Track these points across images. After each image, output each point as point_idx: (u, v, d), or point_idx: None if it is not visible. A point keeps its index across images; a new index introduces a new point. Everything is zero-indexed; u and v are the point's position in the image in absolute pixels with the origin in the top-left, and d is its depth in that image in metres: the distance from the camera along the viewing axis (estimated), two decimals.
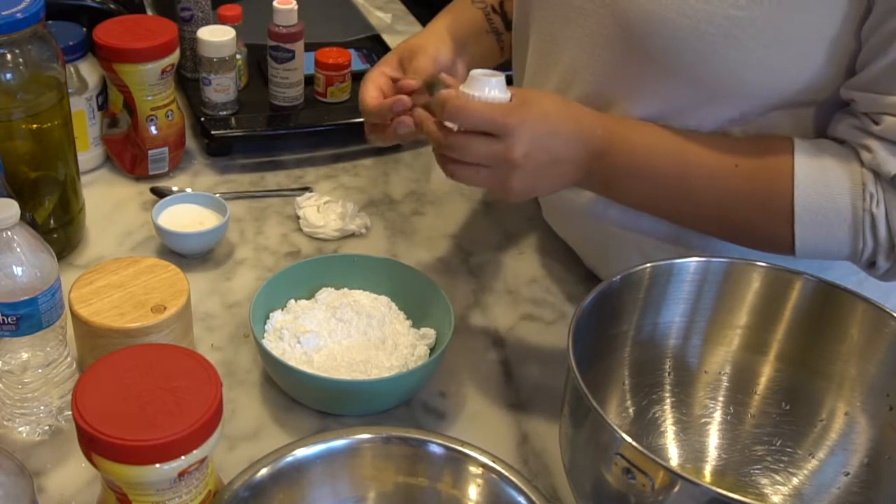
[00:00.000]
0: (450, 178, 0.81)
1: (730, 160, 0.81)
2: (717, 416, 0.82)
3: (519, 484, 0.69)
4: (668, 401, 0.82)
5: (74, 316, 0.82)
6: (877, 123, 0.77)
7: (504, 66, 1.01)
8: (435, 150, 0.82)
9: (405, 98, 0.85)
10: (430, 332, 0.91)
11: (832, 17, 0.76)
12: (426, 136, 0.82)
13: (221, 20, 1.20)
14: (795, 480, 0.78)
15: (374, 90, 0.89)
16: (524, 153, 0.77)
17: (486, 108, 0.77)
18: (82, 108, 1.11)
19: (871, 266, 0.81)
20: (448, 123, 0.79)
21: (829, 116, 0.83)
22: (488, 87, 0.78)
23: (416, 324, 0.93)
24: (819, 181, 0.79)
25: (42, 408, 0.81)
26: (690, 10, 0.77)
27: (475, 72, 0.80)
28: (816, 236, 0.79)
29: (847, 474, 0.76)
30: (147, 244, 1.05)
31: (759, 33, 0.76)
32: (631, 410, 0.81)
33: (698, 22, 0.77)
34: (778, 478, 0.79)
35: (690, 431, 0.82)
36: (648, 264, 0.77)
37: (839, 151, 0.79)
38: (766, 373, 0.81)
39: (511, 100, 0.79)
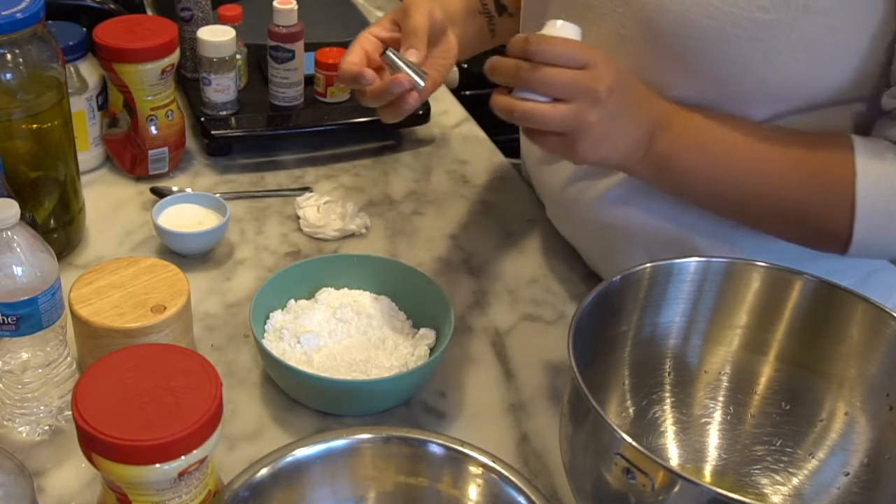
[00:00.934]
0: (520, 119, 0.76)
1: (793, 152, 0.81)
2: (717, 416, 0.82)
3: (519, 484, 0.69)
4: (668, 401, 0.82)
5: (74, 316, 0.82)
6: None
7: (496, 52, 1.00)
8: (497, 94, 0.77)
9: (369, 73, 0.82)
10: (430, 332, 0.91)
11: (860, 24, 0.76)
12: (498, 73, 0.76)
13: (221, 20, 1.20)
14: (795, 480, 0.78)
15: (357, 55, 0.85)
16: (609, 87, 0.75)
17: (572, 44, 0.75)
18: (82, 108, 1.11)
19: None
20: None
21: (865, 120, 0.82)
22: (571, 31, 0.76)
23: (416, 324, 0.93)
24: (882, 177, 0.78)
25: (42, 408, 0.81)
26: (716, 11, 0.76)
27: (553, 19, 0.77)
28: (875, 234, 0.79)
29: (847, 474, 0.76)
30: (147, 244, 1.05)
31: (785, 37, 0.76)
32: (631, 410, 0.81)
33: (723, 24, 0.76)
34: (778, 478, 0.79)
35: (690, 431, 0.82)
36: (648, 264, 0.77)
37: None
38: (766, 373, 0.81)
39: None
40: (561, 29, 0.77)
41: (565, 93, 0.74)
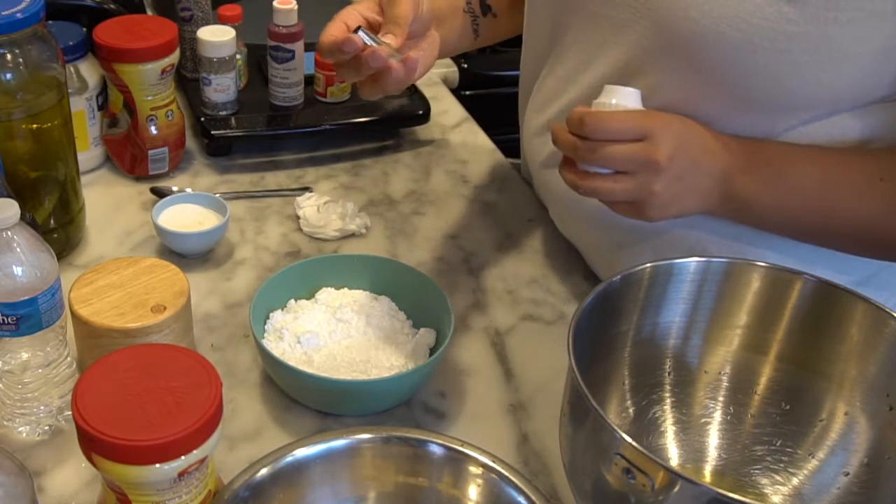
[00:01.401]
0: (587, 193, 0.78)
1: (874, 173, 0.81)
2: (717, 416, 0.82)
3: (519, 484, 0.69)
4: (668, 401, 0.82)
5: (74, 316, 0.82)
6: None
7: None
8: (564, 168, 0.79)
9: (357, 39, 0.82)
10: (430, 332, 0.91)
11: (886, 32, 0.76)
12: (560, 147, 0.79)
13: (221, 20, 1.20)
14: (795, 480, 0.78)
15: (337, 28, 0.85)
16: (669, 155, 0.76)
17: (628, 116, 0.76)
18: (82, 108, 1.11)
19: None
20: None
21: (884, 119, 0.82)
22: (628, 98, 0.77)
23: (416, 324, 0.93)
24: None
25: (42, 408, 0.81)
26: (745, 24, 0.76)
27: (610, 85, 0.79)
28: None
29: (847, 474, 0.76)
30: (147, 244, 1.05)
31: (813, 48, 0.76)
32: (631, 410, 0.81)
33: (752, 36, 0.76)
34: (778, 478, 0.79)
35: (690, 431, 0.82)
36: (648, 264, 0.77)
37: None
38: (766, 373, 0.81)
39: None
40: (618, 95, 0.78)
41: (626, 167, 0.77)
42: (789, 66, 0.77)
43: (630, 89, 0.78)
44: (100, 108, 1.14)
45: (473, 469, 0.71)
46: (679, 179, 0.78)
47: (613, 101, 0.77)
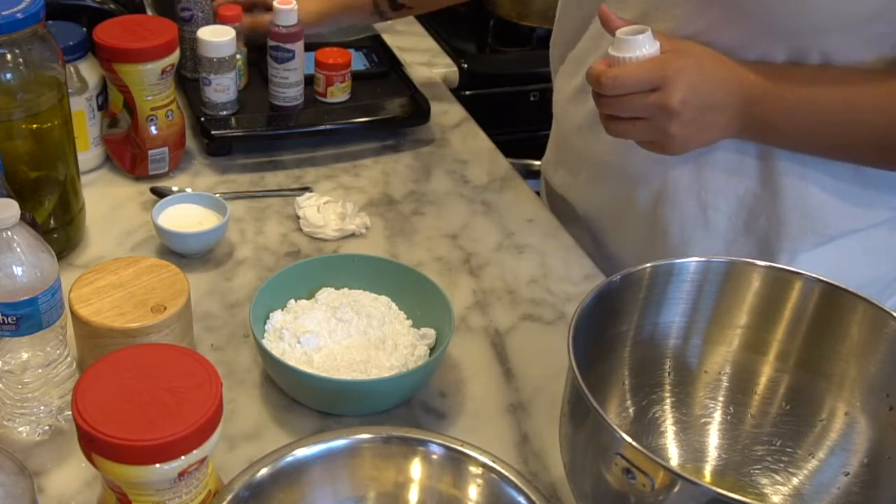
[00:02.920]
0: (610, 134, 0.86)
1: (884, 85, 0.83)
2: (717, 416, 0.82)
3: (519, 484, 0.69)
4: (668, 401, 0.82)
5: (74, 316, 0.82)
6: None
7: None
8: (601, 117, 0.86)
9: None
10: (430, 332, 0.91)
11: None
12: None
13: (221, 20, 1.20)
14: (795, 480, 0.78)
15: None
16: (681, 99, 0.81)
17: (640, 69, 0.81)
18: (82, 108, 1.11)
19: None
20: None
21: None
22: (638, 47, 0.81)
23: (416, 324, 0.93)
24: None
25: (42, 408, 0.81)
26: None
27: (621, 32, 0.82)
28: None
29: (847, 474, 0.76)
30: (147, 244, 1.05)
31: None
32: (631, 410, 0.81)
33: None
34: (778, 478, 0.79)
35: (690, 431, 0.82)
36: (648, 264, 0.77)
37: None
38: (766, 373, 0.81)
39: (662, 50, 0.82)
40: (631, 47, 0.81)
41: (640, 115, 0.83)
42: None
43: (640, 36, 0.81)
44: (100, 108, 1.14)
45: (473, 469, 0.71)
46: (694, 120, 0.84)
47: (628, 56, 0.81)
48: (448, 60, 1.57)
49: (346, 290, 0.95)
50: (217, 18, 1.21)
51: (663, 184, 0.99)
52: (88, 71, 1.11)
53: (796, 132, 0.88)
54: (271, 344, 0.88)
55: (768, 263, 0.79)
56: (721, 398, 0.82)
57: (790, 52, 0.86)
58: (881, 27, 0.82)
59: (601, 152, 1.02)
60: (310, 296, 0.94)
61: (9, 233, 0.74)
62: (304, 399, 0.87)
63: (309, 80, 1.24)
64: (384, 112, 1.24)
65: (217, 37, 1.15)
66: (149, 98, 1.10)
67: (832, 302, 0.77)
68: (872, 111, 0.84)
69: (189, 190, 1.12)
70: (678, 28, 0.88)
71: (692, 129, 0.84)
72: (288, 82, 1.21)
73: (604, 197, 1.09)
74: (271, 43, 1.19)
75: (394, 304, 0.94)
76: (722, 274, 0.79)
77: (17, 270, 0.74)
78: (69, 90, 0.99)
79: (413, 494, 0.72)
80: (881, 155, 0.88)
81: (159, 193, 1.11)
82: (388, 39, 1.41)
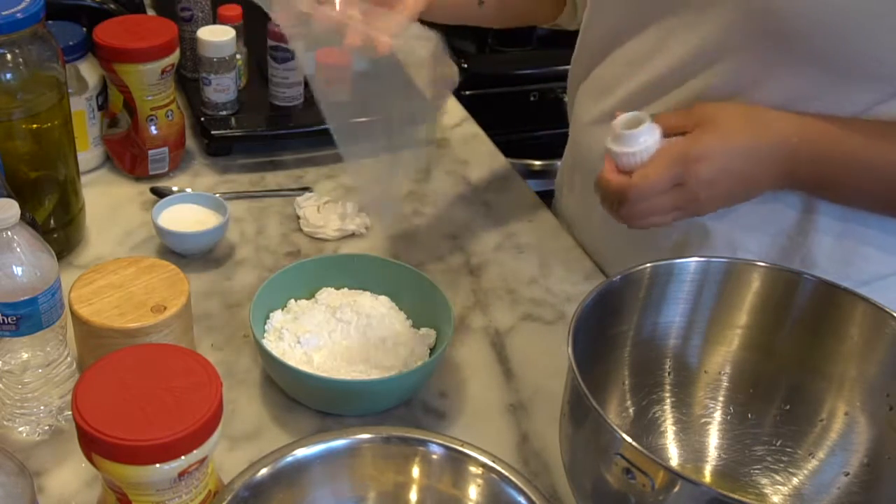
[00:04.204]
0: (636, 228, 0.82)
1: None
2: (717, 416, 0.82)
3: (519, 484, 0.69)
4: (668, 401, 0.82)
5: (74, 316, 0.82)
6: None
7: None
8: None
9: None
10: (430, 332, 0.91)
11: None
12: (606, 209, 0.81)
13: (221, 20, 1.20)
14: (795, 480, 0.78)
15: None
16: (708, 189, 0.78)
17: (660, 170, 0.77)
18: (82, 108, 1.11)
19: None
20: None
21: None
22: (642, 139, 0.77)
23: (416, 324, 0.93)
24: None
25: (42, 408, 0.81)
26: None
27: (618, 123, 0.78)
28: None
29: (847, 474, 0.76)
30: (147, 244, 1.05)
31: None
32: (631, 410, 0.81)
33: (846, 3, 0.75)
34: (778, 478, 0.79)
35: (690, 431, 0.82)
36: (648, 264, 0.77)
37: None
38: (766, 373, 0.81)
39: (678, 127, 0.78)
40: (632, 140, 0.77)
41: (669, 212, 0.80)
42: (882, 33, 0.76)
43: (643, 127, 0.77)
44: (100, 108, 1.14)
45: (473, 469, 0.71)
46: (727, 196, 0.81)
47: (633, 150, 0.77)
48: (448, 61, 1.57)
49: (346, 290, 0.95)
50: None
51: (690, 224, 0.92)
52: (88, 71, 1.11)
53: (850, 191, 0.84)
54: (271, 344, 0.88)
55: (768, 263, 0.79)
56: (721, 398, 0.82)
57: (857, 98, 0.81)
58: None
59: None
60: (310, 296, 0.94)
61: (9, 233, 0.74)
62: (304, 399, 0.87)
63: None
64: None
65: (217, 37, 1.15)
66: (149, 98, 1.10)
67: (832, 302, 0.77)
68: None
69: (189, 190, 1.12)
70: (731, 80, 0.83)
71: (726, 202, 0.82)
72: (288, 82, 1.21)
73: (620, 237, 0.97)
74: (271, 43, 1.19)
75: (394, 304, 0.94)
76: (722, 274, 0.79)
77: (17, 270, 0.74)
78: (69, 90, 0.99)
79: (413, 494, 0.72)
80: None
81: (159, 193, 1.11)
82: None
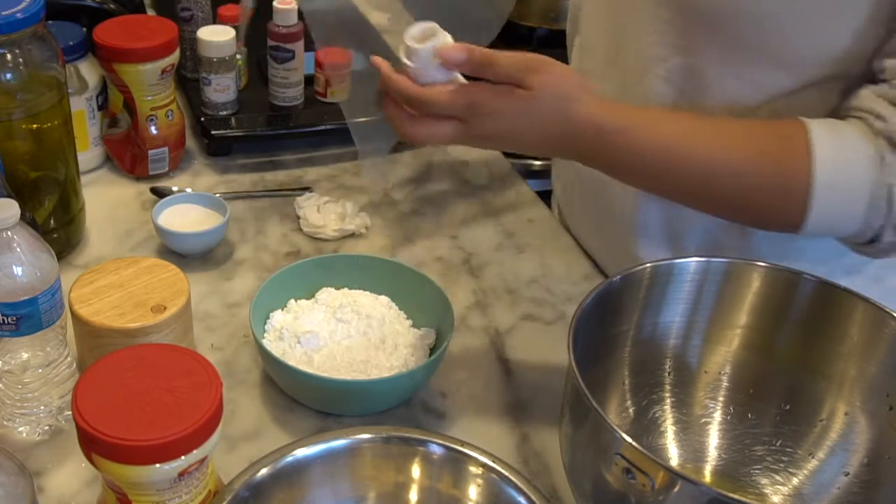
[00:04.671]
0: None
1: (747, 148, 0.80)
2: (717, 416, 0.82)
3: (519, 484, 0.69)
4: (668, 401, 0.82)
5: (74, 316, 0.82)
6: (893, 88, 0.77)
7: None
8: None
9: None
10: (430, 332, 0.91)
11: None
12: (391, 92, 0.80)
13: (221, 20, 1.20)
14: (795, 480, 0.78)
15: None
16: (484, 141, 0.81)
17: (449, 99, 0.77)
18: (82, 108, 1.11)
19: (870, 243, 0.80)
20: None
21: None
22: (428, 52, 0.77)
23: (416, 324, 0.93)
24: (838, 156, 0.77)
25: (42, 408, 0.81)
26: None
27: (410, 36, 0.77)
28: (830, 212, 0.78)
29: (847, 474, 0.76)
30: (147, 244, 1.05)
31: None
32: (631, 410, 0.81)
33: None
34: (778, 478, 0.79)
35: (690, 431, 0.82)
36: (648, 264, 0.77)
37: (854, 125, 0.79)
38: (766, 373, 0.81)
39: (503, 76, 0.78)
40: (417, 55, 0.77)
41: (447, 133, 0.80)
42: (794, 18, 0.79)
43: (428, 44, 0.77)
44: (100, 108, 1.14)
45: (473, 469, 0.71)
46: (505, 146, 0.84)
47: (417, 66, 0.77)
48: None
49: (346, 290, 0.95)
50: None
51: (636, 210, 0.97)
52: (88, 71, 1.11)
53: (642, 181, 0.85)
54: (271, 344, 0.88)
55: (768, 263, 0.79)
56: (721, 398, 0.82)
57: (763, 84, 0.84)
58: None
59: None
60: (310, 296, 0.94)
61: (9, 233, 0.74)
62: (304, 399, 0.87)
63: (309, 80, 1.24)
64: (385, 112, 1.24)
65: (217, 37, 1.15)
66: (149, 98, 1.10)
67: (832, 302, 0.77)
68: (727, 183, 0.81)
69: (189, 190, 1.12)
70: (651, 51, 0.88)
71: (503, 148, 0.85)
72: (288, 82, 1.21)
73: (619, 237, 1.03)
74: (271, 43, 1.19)
75: (394, 304, 0.94)
76: (722, 274, 0.79)
77: (17, 270, 0.74)
78: (69, 90, 0.99)
79: (413, 494, 0.72)
80: (736, 215, 0.85)
81: (159, 193, 1.11)
82: (388, 39, 1.41)
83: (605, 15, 0.96)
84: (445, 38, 0.78)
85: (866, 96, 0.79)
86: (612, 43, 0.95)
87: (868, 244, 0.80)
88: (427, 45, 0.77)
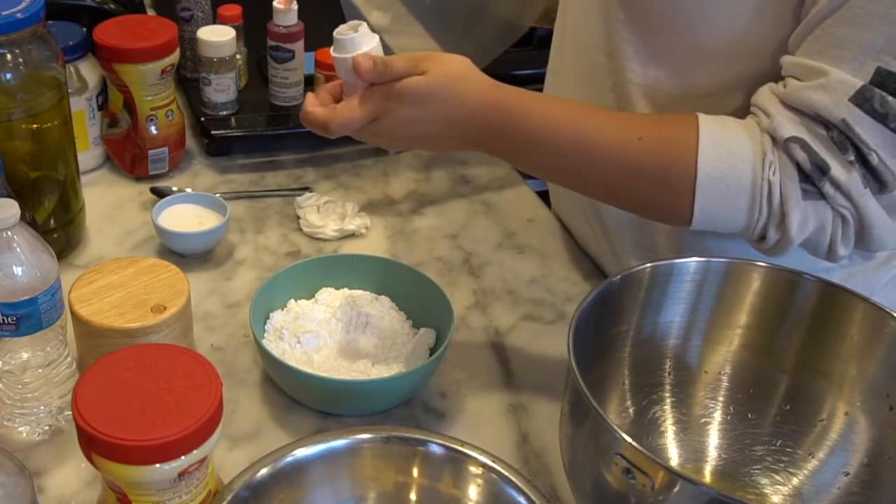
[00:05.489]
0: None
1: (633, 134, 0.80)
2: (717, 416, 0.82)
3: (519, 484, 0.69)
4: (668, 401, 0.82)
5: (74, 316, 0.82)
6: (784, 86, 0.78)
7: None
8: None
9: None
10: (430, 332, 0.91)
11: None
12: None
13: (221, 20, 1.20)
14: (795, 480, 0.78)
15: None
16: (391, 140, 0.84)
17: (356, 112, 0.80)
18: (82, 108, 1.11)
19: (761, 240, 0.80)
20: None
21: None
22: (357, 45, 0.80)
23: (416, 324, 0.93)
24: (722, 150, 0.78)
25: (42, 408, 0.81)
26: None
27: (338, 31, 0.81)
28: (715, 206, 0.78)
29: (847, 474, 0.76)
30: (147, 244, 1.05)
31: None
32: (631, 410, 0.81)
33: None
34: (778, 478, 0.79)
35: (690, 431, 0.82)
36: (648, 264, 0.77)
37: (743, 122, 0.79)
38: (766, 373, 0.81)
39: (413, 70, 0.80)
40: (349, 44, 0.80)
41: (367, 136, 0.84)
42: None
43: (356, 34, 0.80)
44: (100, 108, 1.14)
45: (473, 469, 0.71)
46: (414, 143, 0.86)
47: (348, 56, 0.80)
48: None
49: (346, 290, 0.95)
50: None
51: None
52: (88, 71, 1.11)
53: (532, 169, 0.88)
54: (271, 344, 0.88)
55: (768, 263, 0.79)
56: (721, 398, 0.82)
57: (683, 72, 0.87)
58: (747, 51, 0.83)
59: None
60: (310, 296, 0.94)
61: (9, 233, 0.74)
62: (304, 399, 0.87)
63: (309, 80, 1.24)
64: None
65: (217, 37, 1.15)
66: (149, 98, 1.10)
67: (832, 302, 0.77)
68: (606, 161, 0.81)
69: (189, 190, 1.12)
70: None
71: (412, 146, 0.87)
72: (288, 82, 1.21)
73: (619, 237, 1.03)
74: (271, 43, 1.19)
75: (394, 304, 0.94)
76: (722, 274, 0.79)
77: (17, 270, 0.74)
78: (69, 90, 0.99)
79: (413, 494, 0.72)
80: (624, 202, 0.86)
81: (159, 193, 1.11)
82: (388, 39, 1.41)
83: (560, 14, 1.02)
84: (369, 44, 0.81)
85: (763, 93, 0.80)
86: (563, 42, 1.00)
87: (759, 241, 0.81)
88: (346, 55, 0.80)
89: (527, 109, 0.81)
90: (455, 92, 0.80)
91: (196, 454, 0.65)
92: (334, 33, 0.81)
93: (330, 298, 0.93)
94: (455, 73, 0.80)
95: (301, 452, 0.70)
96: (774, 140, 0.77)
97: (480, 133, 0.81)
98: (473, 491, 0.71)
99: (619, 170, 0.81)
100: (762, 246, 0.80)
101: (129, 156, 1.14)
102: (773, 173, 0.76)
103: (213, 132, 1.18)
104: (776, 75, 0.80)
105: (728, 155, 0.77)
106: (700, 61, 0.85)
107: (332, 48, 0.81)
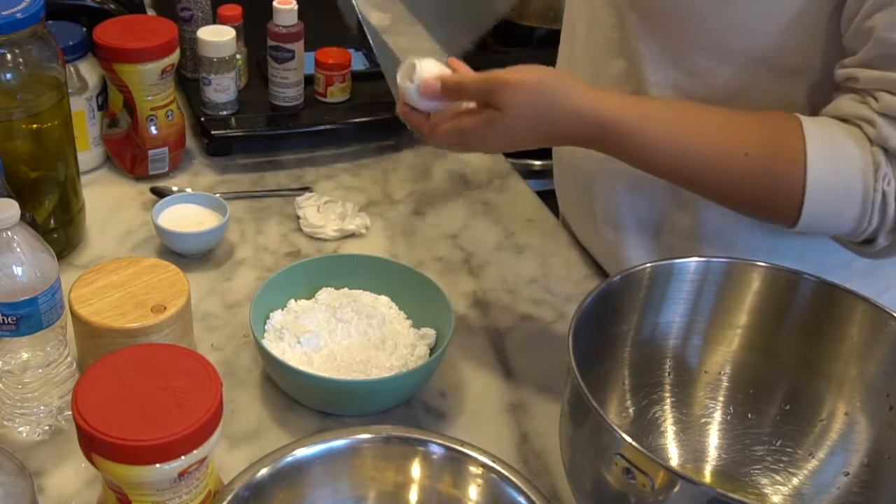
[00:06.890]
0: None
1: (739, 149, 0.80)
2: (717, 416, 0.82)
3: (519, 484, 0.69)
4: (668, 401, 0.82)
5: (74, 316, 0.82)
6: (876, 100, 0.77)
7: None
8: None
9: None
10: (430, 332, 0.91)
11: None
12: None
13: (221, 20, 1.20)
14: (795, 480, 0.78)
15: None
16: (495, 146, 0.88)
17: (448, 135, 0.84)
18: (82, 108, 1.11)
19: (866, 244, 0.80)
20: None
21: (821, 96, 0.83)
22: (417, 75, 0.83)
23: (416, 324, 0.93)
24: (830, 159, 0.78)
25: (42, 408, 0.81)
26: None
27: (400, 75, 0.84)
28: (823, 213, 0.79)
29: (847, 474, 0.76)
30: (147, 244, 1.05)
31: None
32: (631, 410, 0.81)
33: None
34: (778, 478, 0.79)
35: (690, 431, 0.82)
36: (648, 264, 0.77)
37: (848, 130, 0.79)
38: (766, 373, 0.81)
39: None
40: (406, 93, 0.84)
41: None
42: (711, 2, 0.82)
43: (421, 66, 0.84)
44: (100, 108, 1.14)
45: (473, 469, 0.71)
46: (502, 147, 0.90)
47: (411, 86, 0.84)
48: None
49: (346, 290, 0.95)
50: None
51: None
52: (88, 71, 1.11)
53: (644, 167, 0.86)
54: (271, 344, 0.88)
55: (768, 263, 0.79)
56: (721, 398, 0.82)
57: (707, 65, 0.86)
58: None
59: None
60: (310, 296, 0.94)
61: (9, 233, 0.74)
62: (304, 399, 0.87)
63: (309, 80, 1.24)
64: (384, 112, 1.24)
65: (217, 37, 1.15)
66: (149, 98, 1.10)
67: (832, 302, 0.77)
68: (713, 178, 0.82)
69: (189, 190, 1.12)
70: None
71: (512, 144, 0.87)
72: (288, 82, 1.21)
73: (619, 237, 1.04)
74: (271, 43, 1.19)
75: (394, 304, 0.94)
76: (722, 274, 0.79)
77: (17, 270, 0.74)
78: (69, 90, 0.99)
79: (413, 494, 0.72)
80: (730, 207, 0.86)
81: (159, 193, 1.11)
82: (388, 39, 1.41)
83: (567, 22, 1.02)
84: (428, 70, 0.84)
85: (850, 105, 0.79)
86: (573, 49, 1.00)
87: (864, 244, 0.81)
88: (412, 85, 0.83)
89: (626, 127, 0.81)
90: (546, 116, 0.82)
91: (196, 454, 0.65)
92: (398, 78, 0.85)
93: (330, 298, 0.93)
94: (541, 100, 0.82)
95: (301, 452, 0.70)
96: (887, 151, 0.77)
97: (577, 143, 0.84)
98: (473, 491, 0.71)
99: (725, 181, 0.82)
100: (867, 249, 0.81)
101: (129, 156, 1.14)
102: (888, 184, 0.76)
103: (213, 132, 1.18)
104: (799, 74, 0.82)
105: (836, 164, 0.78)
106: (721, 63, 0.85)
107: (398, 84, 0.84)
